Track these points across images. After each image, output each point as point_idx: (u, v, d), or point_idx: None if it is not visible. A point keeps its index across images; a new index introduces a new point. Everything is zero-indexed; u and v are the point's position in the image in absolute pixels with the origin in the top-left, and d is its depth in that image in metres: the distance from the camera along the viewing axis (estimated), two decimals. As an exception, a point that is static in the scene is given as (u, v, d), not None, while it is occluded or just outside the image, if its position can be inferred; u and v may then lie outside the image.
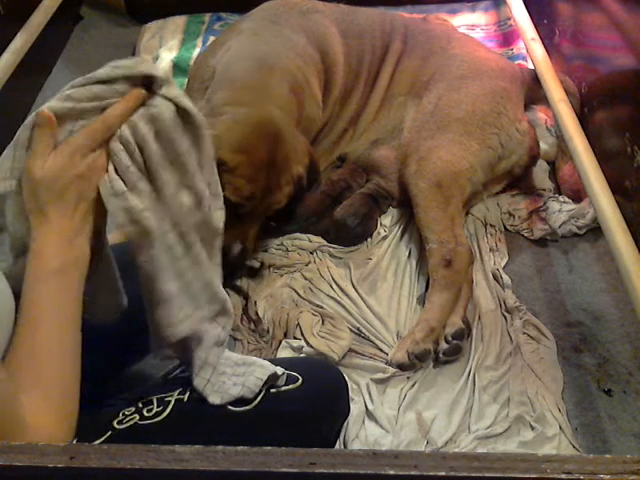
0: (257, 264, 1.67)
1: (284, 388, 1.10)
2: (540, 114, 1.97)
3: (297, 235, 1.74)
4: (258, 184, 1.49)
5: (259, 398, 1.07)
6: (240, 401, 1.07)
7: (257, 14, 1.85)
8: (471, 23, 2.50)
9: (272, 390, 1.09)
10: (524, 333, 1.52)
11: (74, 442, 0.91)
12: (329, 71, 1.78)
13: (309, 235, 1.74)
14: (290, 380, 1.11)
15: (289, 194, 1.56)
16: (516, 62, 2.16)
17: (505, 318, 1.56)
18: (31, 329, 0.86)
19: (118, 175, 0.91)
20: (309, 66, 1.70)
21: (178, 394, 1.08)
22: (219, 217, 1.01)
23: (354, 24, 1.87)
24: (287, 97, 1.60)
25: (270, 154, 1.50)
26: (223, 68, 1.68)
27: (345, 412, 1.27)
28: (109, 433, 1.00)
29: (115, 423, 1.03)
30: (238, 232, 1.52)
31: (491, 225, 1.77)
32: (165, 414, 1.05)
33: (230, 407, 1.06)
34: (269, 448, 0.59)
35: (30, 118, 0.93)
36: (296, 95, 1.62)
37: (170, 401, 1.07)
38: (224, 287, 1.06)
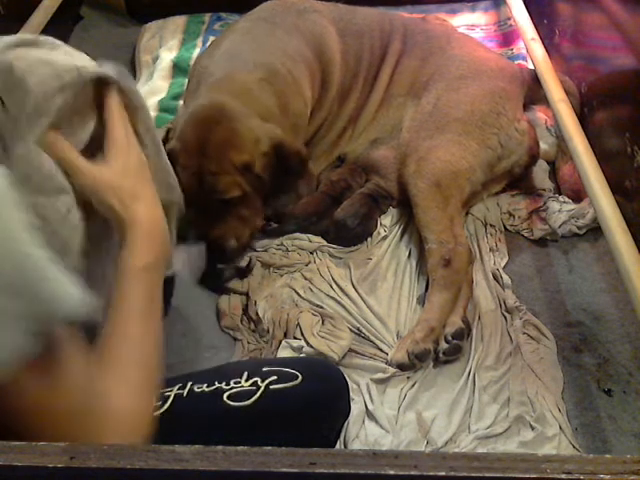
0: (244, 262, 1.66)
1: (283, 385, 1.10)
2: (540, 114, 1.97)
3: (297, 235, 1.74)
4: (190, 171, 1.53)
5: (258, 394, 1.07)
6: (239, 397, 1.07)
7: (255, 14, 1.87)
8: (471, 23, 2.50)
9: (271, 387, 1.09)
10: (524, 333, 1.51)
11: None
12: (326, 70, 1.78)
13: (309, 235, 1.74)
14: (290, 378, 1.11)
15: (238, 184, 1.55)
16: (516, 62, 2.16)
17: (505, 318, 1.56)
18: (122, 321, 0.88)
19: None
20: (299, 64, 1.71)
21: (178, 389, 1.09)
22: None
23: (352, 23, 1.87)
24: (254, 86, 1.62)
25: (202, 141, 1.53)
26: (210, 67, 1.73)
27: (345, 412, 1.27)
28: None
29: None
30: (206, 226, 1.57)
31: (491, 225, 1.77)
32: (164, 408, 1.06)
33: (229, 402, 1.07)
34: (269, 448, 0.59)
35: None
36: (272, 85, 1.64)
37: (169, 396, 1.08)
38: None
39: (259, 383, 1.09)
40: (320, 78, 1.78)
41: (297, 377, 1.11)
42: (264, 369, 1.13)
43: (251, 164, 1.55)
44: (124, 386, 0.82)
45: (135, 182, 0.97)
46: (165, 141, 1.59)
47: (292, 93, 1.68)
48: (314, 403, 1.14)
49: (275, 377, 1.11)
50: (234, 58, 1.71)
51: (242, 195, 1.58)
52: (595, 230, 1.70)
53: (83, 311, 0.72)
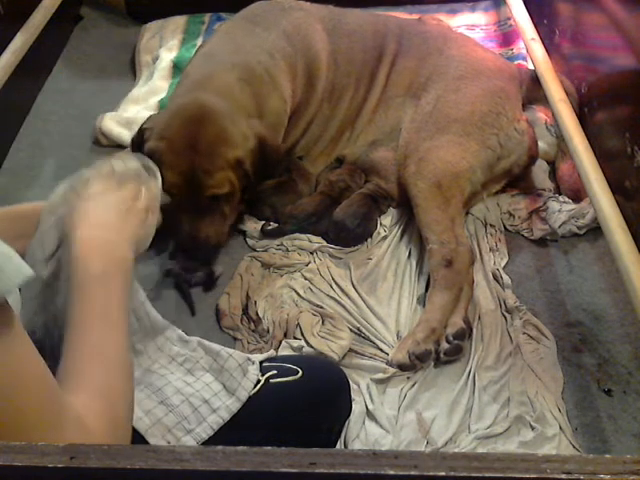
0: (218, 270, 1.66)
1: (283, 379, 1.10)
2: (540, 114, 1.97)
3: (297, 235, 1.74)
4: (179, 170, 1.52)
5: (257, 387, 1.07)
6: None
7: (240, 14, 1.91)
8: (471, 23, 2.50)
9: (271, 381, 1.09)
10: (524, 333, 1.52)
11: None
12: (311, 66, 1.79)
13: (309, 235, 1.75)
14: (290, 373, 1.11)
15: (229, 180, 1.57)
16: (516, 62, 2.16)
17: (505, 318, 1.56)
18: (80, 334, 0.84)
19: None
20: (277, 60, 1.73)
21: None
22: None
23: (343, 23, 1.88)
24: (234, 86, 1.64)
25: (191, 139, 1.52)
26: (189, 69, 1.77)
27: (346, 410, 1.27)
28: None
29: None
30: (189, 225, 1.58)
31: (491, 225, 1.77)
32: None
33: None
34: (269, 448, 0.59)
35: None
36: (250, 85, 1.66)
37: None
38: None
39: (259, 376, 1.09)
40: (305, 73, 1.79)
41: (297, 372, 1.11)
42: (264, 364, 1.13)
43: (243, 160, 1.57)
44: (89, 402, 0.78)
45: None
46: (141, 142, 1.59)
47: (268, 92, 1.69)
48: (314, 399, 1.14)
49: (275, 371, 1.11)
50: (212, 59, 1.74)
51: (230, 192, 1.60)
52: (595, 230, 1.70)
53: (21, 281, 0.70)
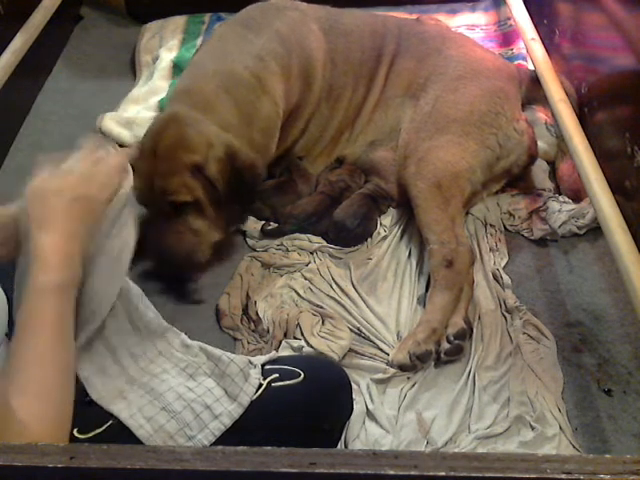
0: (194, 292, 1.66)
1: (286, 382, 1.10)
2: (540, 114, 1.97)
3: (297, 235, 1.74)
4: (139, 173, 1.49)
5: (260, 391, 1.07)
6: None
7: (236, 17, 1.91)
8: (471, 23, 2.50)
9: (273, 384, 1.09)
10: (524, 333, 1.52)
11: (75, 432, 0.93)
12: (307, 66, 1.79)
13: (309, 235, 1.75)
14: (292, 375, 1.11)
15: (187, 185, 1.55)
16: (516, 62, 2.16)
17: (505, 318, 1.56)
18: (29, 338, 0.87)
19: None
20: (267, 62, 1.72)
21: None
22: None
23: (339, 23, 1.88)
24: (211, 96, 1.64)
25: (154, 144, 1.54)
26: (179, 80, 1.80)
27: (347, 410, 1.27)
28: (110, 422, 1.01)
29: None
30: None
31: (491, 225, 1.77)
32: None
33: None
34: (269, 448, 0.59)
35: None
36: (230, 93, 1.66)
37: None
38: None
39: (261, 380, 1.09)
40: (300, 73, 1.78)
41: (299, 375, 1.11)
42: (266, 367, 1.13)
43: (202, 165, 1.55)
44: (33, 404, 0.83)
45: (58, 208, 0.94)
46: None
47: (257, 97, 1.69)
48: (315, 400, 1.14)
49: (277, 375, 1.11)
50: (197, 68, 1.75)
51: (194, 202, 1.57)
52: (595, 230, 1.70)
53: None
